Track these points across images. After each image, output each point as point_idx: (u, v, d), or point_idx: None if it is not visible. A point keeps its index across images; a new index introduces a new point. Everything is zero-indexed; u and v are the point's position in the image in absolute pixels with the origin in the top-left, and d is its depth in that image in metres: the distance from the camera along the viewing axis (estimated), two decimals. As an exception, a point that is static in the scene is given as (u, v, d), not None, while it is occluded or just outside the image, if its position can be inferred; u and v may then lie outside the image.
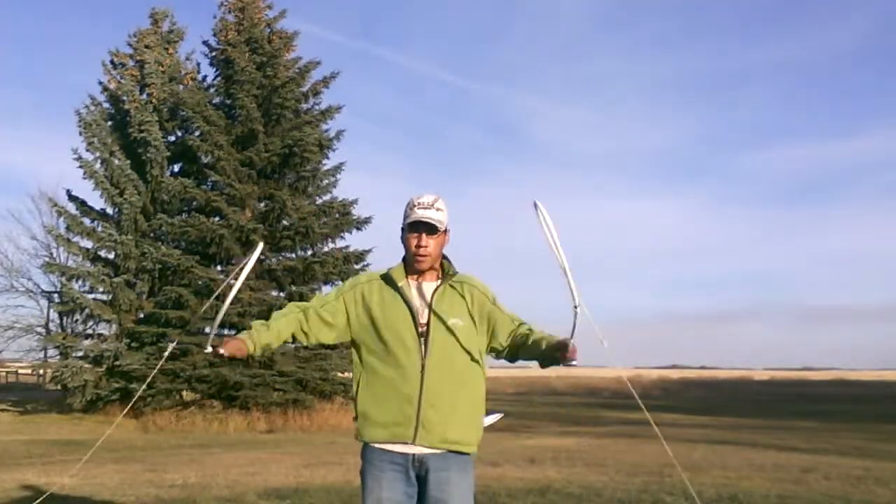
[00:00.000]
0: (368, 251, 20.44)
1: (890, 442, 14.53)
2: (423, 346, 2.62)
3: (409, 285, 2.71)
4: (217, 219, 19.80)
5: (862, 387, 52.65)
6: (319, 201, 21.15)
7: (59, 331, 24.16)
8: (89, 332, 22.21)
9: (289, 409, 18.61)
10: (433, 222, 2.65)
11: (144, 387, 17.18)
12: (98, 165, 21.40)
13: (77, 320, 22.41)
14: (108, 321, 21.09)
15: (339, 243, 20.80)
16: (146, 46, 22.41)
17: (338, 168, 21.36)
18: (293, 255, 20.78)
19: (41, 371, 35.15)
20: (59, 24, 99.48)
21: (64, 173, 44.97)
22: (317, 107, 21.53)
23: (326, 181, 21.32)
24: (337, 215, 20.76)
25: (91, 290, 21.08)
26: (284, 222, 20.34)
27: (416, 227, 2.66)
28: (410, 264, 2.72)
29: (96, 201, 21.72)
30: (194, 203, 20.36)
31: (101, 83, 22.58)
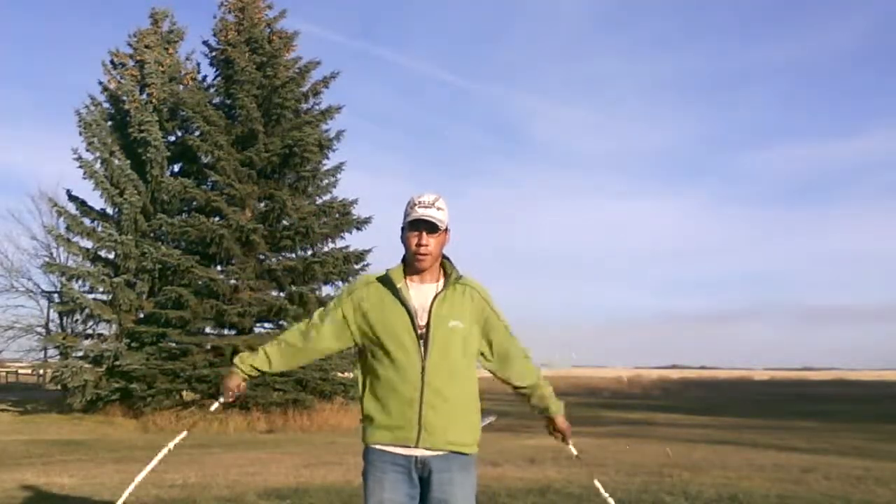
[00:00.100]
0: (368, 251, 20.49)
1: (890, 442, 14.53)
2: (422, 348, 2.61)
3: (408, 286, 2.69)
4: (217, 219, 19.80)
5: (862, 387, 52.69)
6: (319, 201, 21.16)
7: (59, 331, 24.17)
8: (89, 332, 22.22)
9: (289, 409, 18.61)
10: (434, 221, 2.64)
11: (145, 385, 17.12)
12: (98, 165, 21.40)
13: (77, 320, 22.42)
14: (108, 321, 21.09)
15: (339, 243, 20.84)
16: (146, 46, 22.41)
17: (338, 168, 21.39)
18: (293, 255, 20.79)
19: (41, 371, 35.16)
20: (59, 24, 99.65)
21: (64, 173, 45.08)
22: (317, 107, 21.55)
23: (326, 181, 21.34)
24: (337, 215, 20.77)
25: (91, 290, 21.08)
26: (284, 222, 20.35)
27: (416, 226, 2.65)
28: (410, 264, 2.71)
29: (96, 201, 21.77)
30: (194, 203, 20.36)
31: (101, 83, 22.61)
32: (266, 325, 20.74)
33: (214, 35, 21.51)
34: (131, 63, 22.59)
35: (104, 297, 21.07)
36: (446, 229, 2.70)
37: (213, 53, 21.66)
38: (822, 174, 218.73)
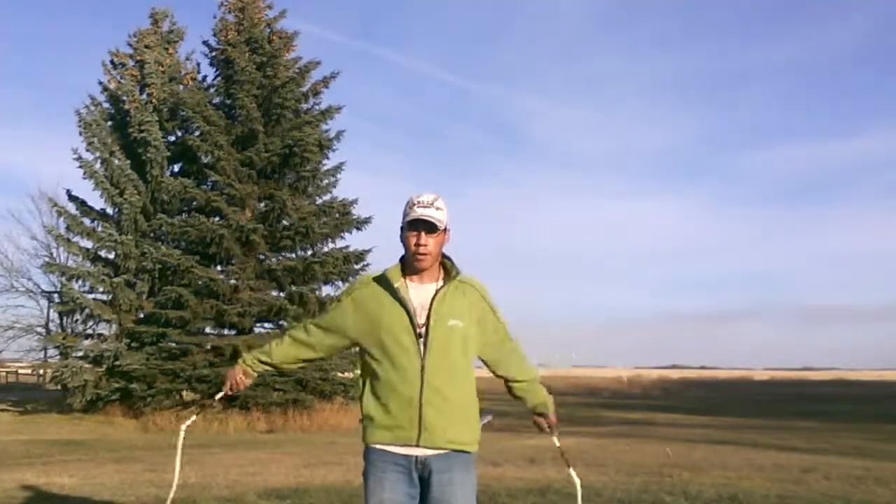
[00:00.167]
0: (368, 251, 20.49)
1: (890, 442, 14.53)
2: (421, 347, 2.61)
3: (406, 285, 2.69)
4: (217, 219, 19.80)
5: (862, 387, 52.69)
6: (319, 201, 21.16)
7: (59, 331, 24.16)
8: (89, 332, 22.22)
9: (289, 409, 18.61)
10: (433, 220, 2.63)
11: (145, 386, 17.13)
12: (98, 165, 21.40)
13: (77, 320, 22.42)
14: (108, 321, 21.09)
15: (339, 243, 20.84)
16: (146, 46, 22.41)
17: (338, 168, 21.39)
18: (293, 255, 20.80)
19: (41, 371, 35.15)
20: (59, 24, 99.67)
21: (64, 173, 45.11)
22: (317, 107, 21.55)
23: (326, 181, 21.34)
24: (337, 215, 20.77)
25: (91, 290, 21.08)
26: (284, 222, 20.35)
27: (415, 226, 2.65)
28: (410, 264, 2.71)
29: (96, 201, 21.77)
30: (194, 203, 20.37)
31: (101, 83, 22.61)
32: (266, 325, 20.74)
33: (214, 35, 21.53)
34: (131, 63, 22.58)
35: (104, 297, 21.07)
36: (445, 229, 2.70)
37: (213, 53, 21.66)
38: (822, 174, 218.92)
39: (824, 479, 8.01)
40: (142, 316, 20.88)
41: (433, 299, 2.65)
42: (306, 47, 35.10)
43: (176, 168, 22.06)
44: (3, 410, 21.99)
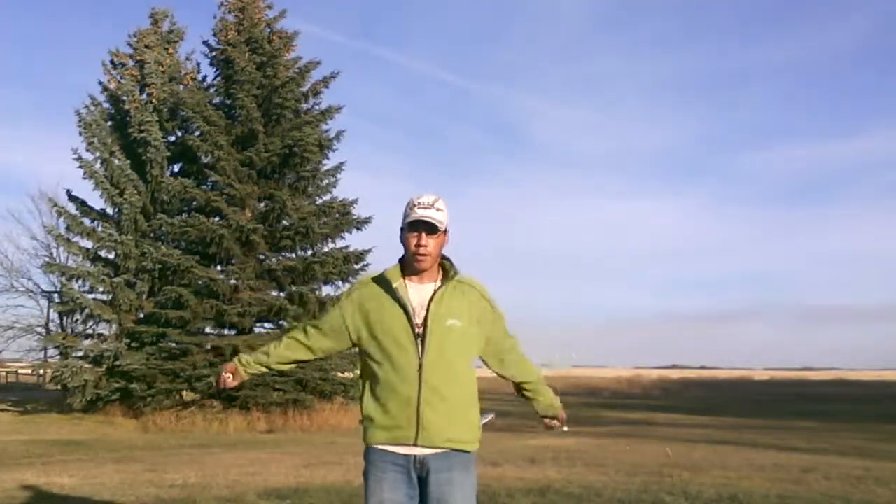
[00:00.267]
0: (368, 251, 20.48)
1: (890, 442, 14.53)
2: (419, 347, 2.61)
3: (405, 286, 2.70)
4: (217, 219, 19.80)
5: (862, 387, 52.68)
6: (319, 201, 21.16)
7: (59, 331, 24.16)
8: (89, 332, 22.21)
9: (289, 409, 18.61)
10: (433, 222, 2.64)
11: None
12: (98, 165, 21.40)
13: (77, 320, 22.41)
14: (108, 321, 21.09)
15: (339, 243, 20.84)
16: (146, 46, 22.41)
17: (338, 168, 21.39)
18: (293, 255, 20.79)
19: (41, 371, 35.13)
20: (59, 24, 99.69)
21: (64, 173, 45.01)
22: (317, 107, 21.55)
23: (326, 181, 21.34)
24: (337, 215, 20.77)
25: (91, 290, 21.08)
26: (284, 222, 20.35)
27: (415, 227, 2.66)
28: (409, 264, 2.71)
29: (96, 201, 21.77)
30: (194, 203, 20.37)
31: (101, 83, 22.61)
32: (266, 325, 20.74)
33: (214, 35, 21.53)
34: (131, 63, 22.58)
35: (104, 297, 21.07)
36: (445, 230, 2.71)
37: (213, 53, 21.66)
38: (822, 174, 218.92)
39: (824, 479, 8.01)
40: (142, 316, 20.88)
41: (431, 299, 2.66)
42: (306, 47, 35.10)
43: (176, 168, 22.06)
44: (3, 410, 21.99)
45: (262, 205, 20.60)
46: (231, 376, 2.82)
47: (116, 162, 21.41)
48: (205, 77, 22.99)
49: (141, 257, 20.22)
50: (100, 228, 21.49)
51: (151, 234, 21.08)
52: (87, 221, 21.74)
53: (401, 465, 2.61)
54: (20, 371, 43.91)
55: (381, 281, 2.72)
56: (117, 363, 19.40)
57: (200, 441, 15.33)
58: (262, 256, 20.42)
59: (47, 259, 25.06)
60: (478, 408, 2.76)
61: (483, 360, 2.82)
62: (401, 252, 2.75)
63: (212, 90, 22.05)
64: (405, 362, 2.61)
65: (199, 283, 19.37)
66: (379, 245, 20.70)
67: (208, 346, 19.75)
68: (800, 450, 12.50)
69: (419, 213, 2.64)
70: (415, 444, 2.59)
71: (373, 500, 2.62)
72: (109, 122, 22.12)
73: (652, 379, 59.14)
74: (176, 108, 21.50)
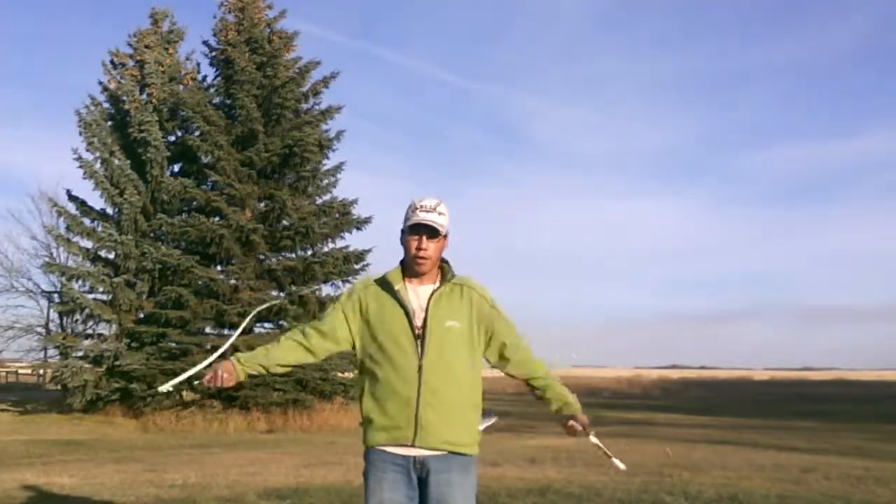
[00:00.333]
0: (368, 251, 20.47)
1: (890, 442, 14.53)
2: (419, 348, 2.62)
3: (406, 288, 2.71)
4: (217, 219, 19.80)
5: (862, 387, 52.66)
6: (319, 201, 21.16)
7: (59, 331, 24.16)
8: (89, 332, 22.22)
9: (289, 409, 18.62)
10: (435, 226, 2.65)
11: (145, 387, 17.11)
12: (98, 165, 21.40)
13: (77, 320, 22.41)
14: (108, 321, 21.09)
15: (339, 243, 20.84)
16: (146, 46, 22.41)
17: (338, 168, 21.39)
18: (293, 255, 20.80)
19: (41, 371, 35.14)
20: (59, 24, 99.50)
21: (64, 173, 44.97)
22: (317, 107, 21.55)
23: (326, 181, 21.35)
24: (337, 215, 20.77)
25: (91, 290, 21.08)
26: (284, 222, 20.35)
27: (416, 230, 2.67)
28: (409, 267, 2.73)
29: (96, 201, 21.77)
30: (194, 203, 20.37)
31: (101, 83, 22.60)
32: (266, 325, 20.74)
33: (214, 35, 21.53)
34: (131, 63, 22.59)
35: (104, 297, 21.07)
36: (446, 234, 2.72)
37: (213, 53, 21.67)
38: (822, 174, 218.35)
39: (824, 479, 8.02)
40: (142, 316, 20.89)
41: (429, 300, 2.67)
42: (306, 47, 35.09)
43: (176, 168, 22.06)
44: (3, 410, 21.99)
45: (262, 205, 20.61)
46: (228, 375, 2.71)
47: (116, 162, 21.41)
48: (205, 77, 23.03)
49: (141, 257, 20.22)
50: (100, 228, 21.49)
51: (151, 234, 21.08)
52: (87, 221, 21.74)
53: (400, 466, 2.61)
54: (20, 371, 43.92)
55: (383, 283, 2.73)
56: (117, 363, 19.39)
57: (200, 441, 15.33)
58: (262, 256, 20.42)
59: (47, 259, 25.07)
60: (479, 410, 2.75)
61: (488, 360, 2.80)
62: (400, 253, 2.76)
63: (212, 90, 22.06)
64: (405, 363, 2.61)
65: (199, 283, 19.38)
66: (379, 245, 20.71)
67: (208, 346, 19.73)
68: (800, 450, 12.51)
69: (421, 217, 2.65)
70: (413, 445, 2.59)
71: (373, 501, 2.62)
72: (109, 122, 22.12)
73: (652, 379, 59.13)
74: (176, 108, 21.50)
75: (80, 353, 20.75)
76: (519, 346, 2.81)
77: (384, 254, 19.14)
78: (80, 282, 20.88)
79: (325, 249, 20.74)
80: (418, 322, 2.65)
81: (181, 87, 22.43)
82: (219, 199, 19.67)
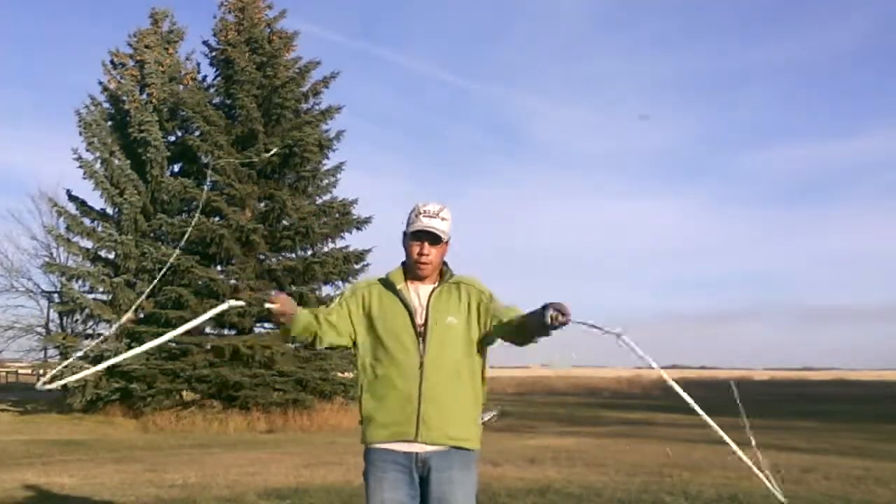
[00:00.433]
0: (368, 251, 20.47)
1: (890, 442, 14.53)
2: (421, 345, 2.64)
3: (408, 288, 2.74)
4: (217, 219, 19.80)
5: (862, 387, 52.66)
6: (319, 201, 21.15)
7: (59, 331, 24.13)
8: (89, 332, 22.20)
9: (289, 409, 18.61)
10: (437, 232, 2.69)
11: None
12: (98, 165, 21.39)
13: (77, 320, 22.40)
14: (108, 321, 21.08)
15: (339, 243, 20.83)
16: (146, 46, 22.40)
17: (338, 168, 21.38)
18: (293, 255, 20.79)
19: (41, 371, 35.12)
20: (59, 24, 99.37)
21: (64, 173, 44.70)
22: (317, 107, 21.54)
23: (326, 181, 21.34)
24: (337, 215, 20.76)
25: (91, 290, 21.07)
26: (284, 222, 20.34)
27: (419, 236, 2.70)
28: (411, 269, 2.76)
29: (96, 201, 21.74)
30: (194, 203, 20.36)
31: (101, 83, 22.59)
32: (266, 325, 20.73)
33: (214, 35, 21.52)
34: (131, 63, 22.57)
35: (104, 297, 21.06)
36: (448, 240, 2.75)
37: (213, 53, 21.66)
38: (822, 174, 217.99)
39: (824, 479, 8.02)
40: (142, 316, 20.88)
41: (429, 298, 2.70)
42: (306, 47, 35.01)
43: (176, 168, 22.05)
44: (3, 410, 21.99)
45: (262, 205, 20.60)
46: (284, 316, 2.60)
47: (116, 162, 21.40)
48: (205, 77, 23.01)
49: (141, 257, 20.22)
50: (100, 228, 21.48)
51: (151, 234, 21.08)
52: (87, 221, 21.73)
53: (402, 465, 2.62)
54: (20, 371, 43.89)
55: (385, 283, 2.76)
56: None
57: (200, 441, 15.33)
58: (262, 256, 20.42)
59: (47, 259, 25.03)
60: (480, 406, 2.76)
61: (493, 335, 2.73)
62: (401, 253, 2.80)
63: (212, 90, 22.05)
64: (407, 361, 2.63)
65: (199, 283, 19.37)
66: (379, 245, 20.71)
67: (208, 346, 19.76)
68: (800, 450, 12.51)
69: (424, 223, 2.68)
70: (415, 441, 2.60)
71: (374, 501, 2.62)
72: (109, 122, 22.10)
73: (652, 379, 59.06)
74: (176, 108, 21.49)
75: (80, 353, 20.72)
76: (501, 307, 2.74)
77: (384, 254, 19.15)
78: (80, 282, 20.88)
79: (325, 249, 20.74)
80: (420, 320, 2.67)
81: (181, 87, 22.43)
82: (219, 199, 19.67)
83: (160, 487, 7.45)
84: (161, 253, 19.34)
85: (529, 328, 2.57)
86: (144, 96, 21.99)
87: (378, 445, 2.65)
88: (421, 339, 2.65)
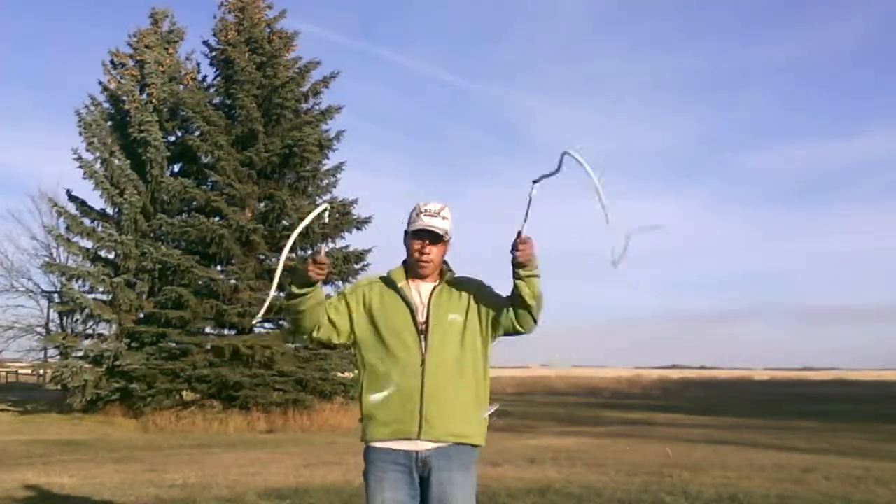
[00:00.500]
0: (368, 251, 20.48)
1: (890, 442, 14.53)
2: (422, 343, 2.65)
3: (409, 286, 2.75)
4: (217, 219, 19.80)
5: (862, 387, 52.64)
6: (319, 201, 21.14)
7: (59, 331, 24.13)
8: (89, 332, 22.20)
9: (289, 409, 18.60)
10: (438, 231, 2.70)
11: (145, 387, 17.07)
12: (98, 165, 21.39)
13: (77, 320, 22.40)
14: (108, 321, 21.08)
15: (339, 243, 20.82)
16: (146, 46, 22.40)
17: (338, 168, 21.38)
18: (293, 255, 20.77)
19: (41, 371, 35.12)
20: (59, 24, 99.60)
21: (64, 173, 44.79)
22: (317, 107, 21.54)
23: (326, 181, 21.34)
24: (337, 215, 20.76)
25: (91, 290, 21.07)
26: (284, 222, 20.34)
27: (420, 235, 2.71)
28: (412, 268, 2.77)
29: (96, 201, 21.75)
30: (194, 203, 20.36)
31: (101, 83, 22.58)
32: (266, 325, 20.74)
33: (214, 35, 21.52)
34: (131, 63, 22.57)
35: (104, 297, 21.06)
36: (448, 239, 2.76)
37: (213, 53, 21.66)
38: (822, 174, 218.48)
39: (824, 479, 8.02)
40: (142, 316, 20.88)
41: (431, 295, 2.71)
42: (306, 47, 35.04)
43: (176, 168, 22.05)
44: (3, 410, 21.98)
45: (262, 205, 20.60)
46: (321, 270, 2.63)
47: (116, 162, 21.40)
48: (205, 77, 23.01)
49: (141, 257, 20.22)
50: (100, 228, 21.48)
51: (151, 234, 21.08)
52: (87, 221, 21.73)
53: (402, 465, 2.61)
54: (20, 371, 43.89)
55: (386, 281, 2.77)
56: (117, 363, 19.39)
57: (200, 441, 15.33)
58: (262, 256, 20.42)
59: (47, 259, 25.03)
60: (483, 402, 2.75)
61: (499, 321, 2.74)
62: (402, 253, 2.81)
63: (212, 90, 22.05)
64: (408, 358, 2.63)
65: (199, 283, 19.37)
66: (379, 245, 20.71)
67: (208, 346, 19.75)
68: (800, 450, 12.50)
69: (425, 222, 2.68)
70: (418, 439, 2.60)
71: (374, 501, 2.62)
72: (109, 122, 22.10)
73: (652, 379, 59.10)
74: (176, 108, 21.49)
75: (80, 353, 20.74)
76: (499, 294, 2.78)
77: (384, 254, 19.16)
78: (80, 282, 20.88)
79: (326, 250, 20.70)
80: (421, 318, 2.68)
81: (181, 87, 22.43)
82: (219, 199, 19.67)
83: (160, 487, 7.45)
84: (161, 253, 19.34)
85: (514, 288, 2.63)
86: (144, 96, 21.99)
87: (379, 444, 2.65)
88: (422, 336, 2.65)
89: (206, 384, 18.77)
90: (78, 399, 19.68)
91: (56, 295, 23.87)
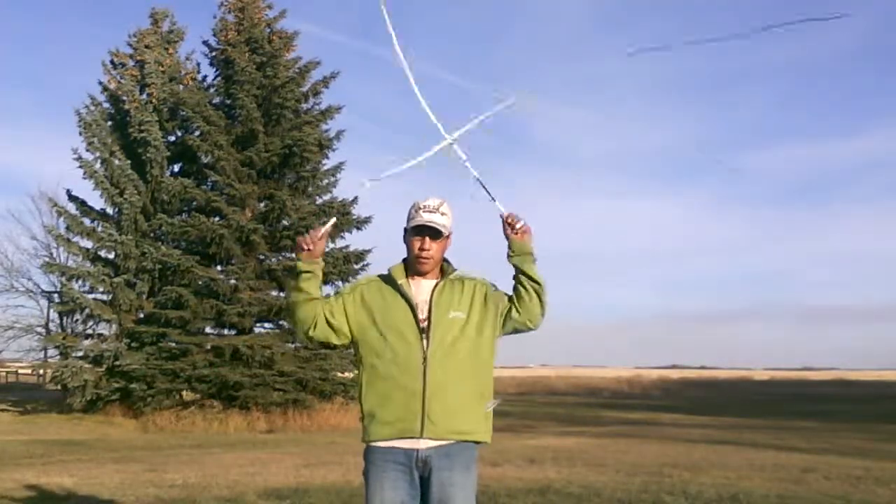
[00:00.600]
0: (368, 251, 20.47)
1: (890, 442, 14.53)
2: (424, 341, 2.63)
3: (409, 283, 2.74)
4: (217, 219, 19.80)
5: (862, 387, 52.62)
6: (319, 201, 21.15)
7: (59, 331, 24.12)
8: (89, 332, 22.19)
9: (289, 409, 18.60)
10: (437, 227, 2.68)
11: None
12: (98, 165, 21.39)
13: (77, 320, 22.39)
14: (108, 321, 21.08)
15: (339, 243, 20.81)
16: (146, 46, 22.40)
17: (338, 168, 21.37)
18: (293, 255, 20.74)
19: (41, 371, 35.11)
20: (59, 24, 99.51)
21: (64, 173, 44.65)
22: (317, 107, 21.54)
23: (326, 181, 21.33)
24: (337, 215, 20.76)
25: (91, 290, 21.07)
26: (284, 222, 20.34)
27: (419, 231, 2.69)
28: (412, 265, 2.75)
29: (96, 201, 21.75)
30: (194, 203, 20.36)
31: (101, 83, 22.58)
32: (266, 325, 20.74)
33: (214, 35, 21.52)
34: (131, 63, 22.57)
35: (104, 297, 21.06)
36: (449, 234, 2.74)
37: (213, 53, 21.66)
38: (822, 174, 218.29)
39: (824, 479, 8.02)
40: (142, 316, 20.88)
41: (432, 293, 2.70)
42: (306, 47, 34.97)
43: (176, 168, 22.06)
44: (3, 410, 21.98)
45: (262, 205, 20.60)
46: (311, 247, 2.74)
47: (116, 162, 21.40)
48: (205, 77, 23.01)
49: (141, 257, 20.22)
50: (100, 228, 21.48)
51: (151, 234, 21.08)
52: (87, 221, 21.73)
53: (402, 464, 2.61)
54: (20, 371, 43.88)
55: (386, 279, 2.76)
56: (117, 363, 19.39)
57: (200, 441, 15.33)
58: (262, 256, 20.42)
59: (47, 259, 25.01)
60: (486, 399, 2.74)
61: (509, 323, 2.77)
62: (402, 252, 2.79)
63: (212, 90, 22.05)
64: (410, 356, 2.62)
65: (199, 283, 19.37)
66: (379, 245, 20.70)
67: (208, 346, 19.75)
68: (800, 450, 12.50)
69: (424, 218, 2.67)
70: (420, 437, 2.59)
71: (374, 500, 2.61)
72: (109, 122, 22.10)
73: (652, 379, 59.09)
74: (176, 108, 21.50)
75: (80, 353, 20.74)
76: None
77: (384, 254, 19.13)
78: (80, 282, 20.88)
79: (326, 249, 20.69)
80: (422, 315, 2.66)
81: (181, 87, 22.42)
82: (219, 199, 19.67)
83: (160, 487, 7.45)
84: (161, 253, 19.34)
85: (515, 277, 2.76)
86: (144, 96, 21.99)
87: (379, 444, 2.64)
88: (424, 334, 2.64)
89: (206, 384, 18.77)
90: (78, 399, 19.68)
91: (56, 295, 23.86)
